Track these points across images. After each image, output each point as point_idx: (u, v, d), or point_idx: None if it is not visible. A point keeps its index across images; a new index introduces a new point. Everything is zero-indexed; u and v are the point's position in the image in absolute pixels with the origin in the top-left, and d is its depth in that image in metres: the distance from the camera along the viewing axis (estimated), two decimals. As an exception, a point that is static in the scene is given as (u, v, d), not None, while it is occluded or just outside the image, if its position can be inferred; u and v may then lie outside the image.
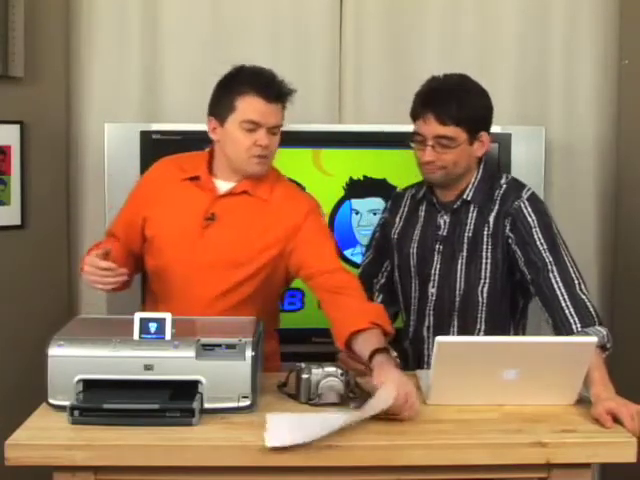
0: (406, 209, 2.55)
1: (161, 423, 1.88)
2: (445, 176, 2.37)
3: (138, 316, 1.98)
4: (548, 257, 2.29)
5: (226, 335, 1.99)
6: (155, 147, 2.89)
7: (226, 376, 1.94)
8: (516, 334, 2.46)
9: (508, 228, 2.36)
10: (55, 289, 3.20)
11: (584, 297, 2.23)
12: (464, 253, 2.40)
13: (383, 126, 3.00)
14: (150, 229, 2.38)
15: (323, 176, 3.02)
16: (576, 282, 2.25)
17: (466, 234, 2.41)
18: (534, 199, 2.39)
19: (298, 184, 2.72)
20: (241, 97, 2.26)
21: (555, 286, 2.25)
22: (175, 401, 1.91)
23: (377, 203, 2.98)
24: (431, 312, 2.45)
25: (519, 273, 2.35)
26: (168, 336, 1.96)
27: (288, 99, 2.31)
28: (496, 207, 2.39)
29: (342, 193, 3.04)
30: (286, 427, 1.86)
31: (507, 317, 2.45)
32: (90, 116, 3.19)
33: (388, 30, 3.25)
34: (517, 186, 2.43)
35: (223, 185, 2.36)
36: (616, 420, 1.93)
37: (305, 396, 2.05)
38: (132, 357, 1.93)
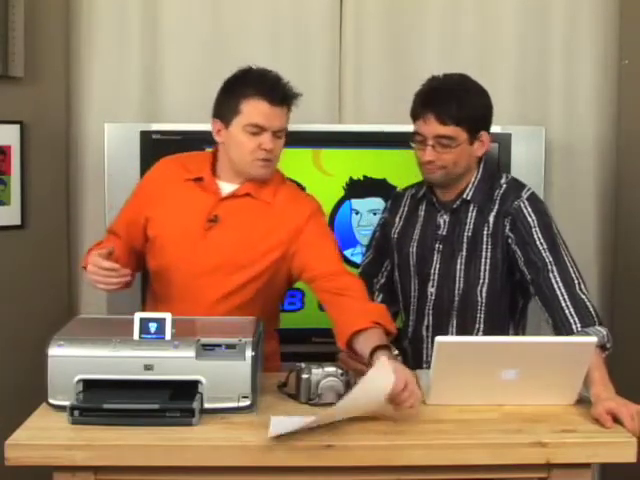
0: (406, 209, 2.55)
1: (161, 423, 1.88)
2: (445, 176, 2.37)
3: (138, 316, 1.98)
4: (548, 257, 2.29)
5: (226, 335, 1.99)
6: (155, 147, 2.89)
7: (226, 376, 1.94)
8: (516, 334, 2.46)
9: (508, 228, 2.36)
10: (55, 289, 3.20)
11: (584, 297, 2.23)
12: (463, 253, 2.41)
13: (383, 126, 3.00)
14: (152, 229, 2.38)
15: (323, 176, 3.02)
16: (576, 282, 2.25)
17: (466, 234, 2.41)
18: (534, 199, 2.39)
19: (298, 184, 2.72)
20: (246, 100, 2.26)
21: (555, 286, 2.25)
22: (175, 401, 1.91)
23: (377, 203, 2.98)
24: (430, 311, 2.45)
25: (519, 273, 2.35)
26: (168, 336, 1.96)
27: (293, 102, 2.30)
28: (496, 207, 2.39)
29: (342, 193, 3.04)
30: (288, 421, 1.87)
31: (506, 317, 2.45)
32: (90, 116, 3.19)
33: (388, 30, 3.25)
34: (517, 186, 2.43)
35: (226, 187, 2.35)
36: (616, 420, 1.93)
37: (305, 396, 2.05)
38: (132, 357, 1.93)
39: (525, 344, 2.07)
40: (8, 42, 2.92)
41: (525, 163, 3.00)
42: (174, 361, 1.93)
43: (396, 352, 2.13)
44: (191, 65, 3.20)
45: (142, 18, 3.19)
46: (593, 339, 2.02)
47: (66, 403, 1.90)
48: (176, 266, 2.34)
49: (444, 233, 2.44)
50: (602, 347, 2.12)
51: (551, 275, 2.26)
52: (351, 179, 3.03)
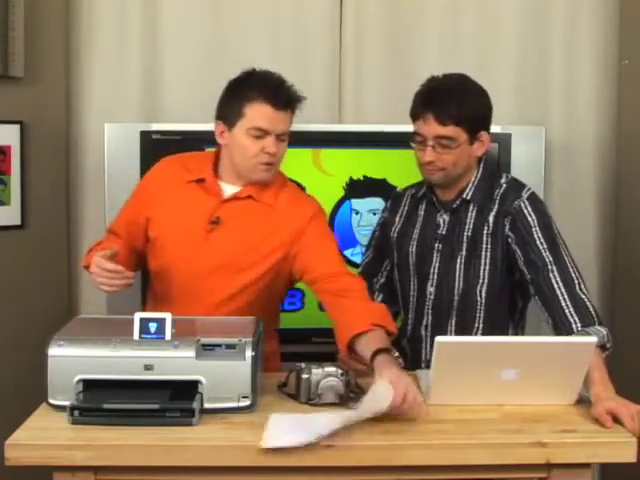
0: (406, 208, 2.55)
1: (161, 423, 1.88)
2: (445, 177, 2.37)
3: (138, 316, 1.98)
4: (548, 257, 2.29)
5: (226, 335, 1.99)
6: (155, 147, 2.89)
7: (226, 376, 1.94)
8: (515, 334, 2.46)
9: (508, 227, 2.36)
10: (55, 289, 3.20)
11: (584, 297, 2.23)
12: (463, 252, 2.41)
13: (383, 126, 3.00)
14: (153, 229, 2.37)
15: (323, 176, 3.02)
16: (576, 282, 2.25)
17: (465, 233, 2.41)
18: (534, 199, 2.39)
19: (298, 184, 2.72)
20: (250, 103, 2.25)
21: (555, 286, 2.25)
22: (175, 401, 1.91)
23: (377, 203, 2.98)
24: (429, 311, 2.46)
25: (518, 273, 2.35)
26: (168, 336, 1.96)
27: (297, 106, 2.30)
28: (496, 206, 2.39)
29: (342, 193, 3.04)
30: (286, 427, 1.86)
31: (506, 317, 2.45)
32: (90, 116, 3.19)
33: (388, 30, 3.25)
34: (517, 186, 2.43)
35: (228, 188, 2.35)
36: (616, 420, 1.93)
37: (305, 396, 2.05)
38: (132, 357, 1.93)
39: (525, 344, 2.07)
40: (8, 42, 2.92)
41: (525, 163, 3.00)
42: (174, 361, 1.93)
43: (396, 354, 2.12)
44: (191, 65, 3.20)
45: (142, 18, 3.19)
46: (593, 339, 2.02)
47: (66, 403, 1.90)
48: (177, 267, 2.34)
49: (444, 232, 2.44)
50: (602, 347, 2.12)
51: (551, 275, 2.26)
52: (351, 179, 3.03)
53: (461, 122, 2.31)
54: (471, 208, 2.41)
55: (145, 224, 2.38)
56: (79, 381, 1.93)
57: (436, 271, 2.44)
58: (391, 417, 1.92)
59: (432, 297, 2.45)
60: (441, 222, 2.45)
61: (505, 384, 2.01)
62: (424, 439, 1.88)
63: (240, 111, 2.26)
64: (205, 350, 1.95)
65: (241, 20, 3.22)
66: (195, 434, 1.87)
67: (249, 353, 1.95)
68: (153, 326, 1.96)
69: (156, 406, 1.88)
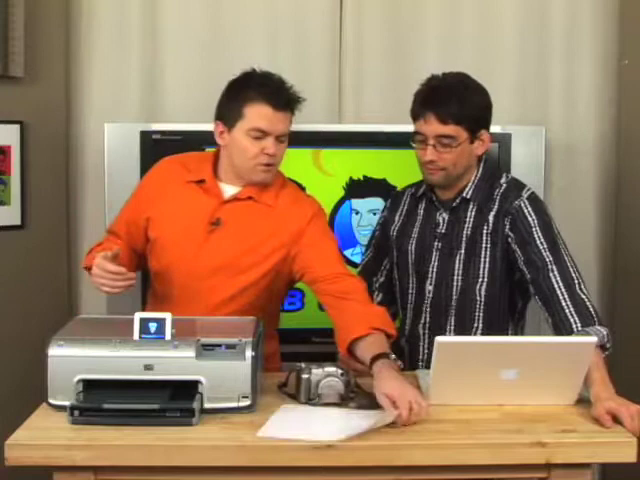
0: (405, 207, 2.55)
1: (161, 423, 1.88)
2: (446, 177, 2.37)
3: (138, 316, 1.98)
4: (548, 256, 2.29)
5: (226, 335, 1.99)
6: (155, 147, 2.89)
7: (226, 376, 1.94)
8: (514, 334, 2.46)
9: (508, 227, 2.36)
10: (55, 289, 3.20)
11: (584, 297, 2.23)
12: (462, 251, 2.41)
13: (383, 126, 3.00)
14: (153, 230, 2.37)
15: (323, 176, 3.02)
16: (576, 282, 2.25)
17: (465, 232, 2.41)
18: (534, 199, 2.39)
19: (298, 184, 2.72)
20: (250, 105, 2.25)
21: (555, 285, 2.25)
22: (175, 401, 1.91)
23: (377, 203, 2.98)
24: (428, 309, 2.46)
25: (518, 272, 2.35)
26: (168, 336, 1.96)
27: (297, 107, 2.30)
28: (496, 206, 2.39)
29: (342, 193, 3.04)
30: (289, 421, 1.89)
31: (505, 317, 2.45)
32: (90, 116, 3.19)
33: (388, 30, 3.25)
34: (517, 185, 2.43)
35: (228, 189, 2.35)
36: (616, 420, 1.93)
37: (305, 396, 2.05)
38: (132, 357, 1.93)
39: (525, 344, 2.07)
40: (8, 42, 2.91)
41: (525, 163, 2.99)
42: (174, 361, 1.93)
43: (393, 356, 2.11)
44: (191, 65, 3.20)
45: (142, 18, 3.19)
46: (593, 339, 2.02)
47: (66, 403, 1.90)
48: (177, 267, 2.33)
49: (443, 231, 2.44)
50: (602, 347, 2.12)
51: (551, 274, 2.26)
52: (351, 179, 3.03)
53: (462, 121, 2.31)
54: (471, 207, 2.41)
55: (145, 224, 2.38)
56: (79, 381, 1.93)
57: (435, 270, 2.44)
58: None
59: (431, 296, 2.45)
60: (440, 221, 2.45)
61: (505, 384, 2.01)
62: (424, 439, 1.88)
63: (240, 112, 2.26)
64: (205, 350, 1.95)
65: (241, 20, 3.22)
66: (195, 434, 1.87)
67: (249, 353, 1.95)
68: (153, 326, 1.96)
69: (156, 406, 1.88)
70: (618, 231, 3.32)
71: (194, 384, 1.94)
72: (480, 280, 2.40)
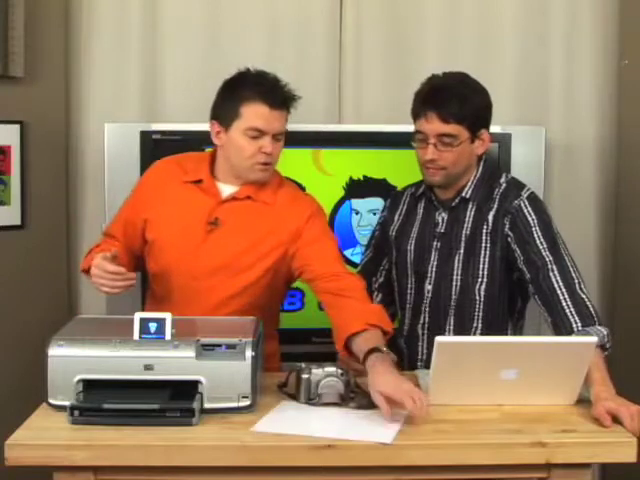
0: (405, 207, 2.55)
1: (161, 423, 1.88)
2: (446, 177, 2.37)
3: (138, 316, 1.98)
4: (548, 256, 2.29)
5: (226, 335, 1.99)
6: (155, 147, 2.89)
7: (226, 376, 1.94)
8: (514, 335, 2.46)
9: (507, 226, 2.36)
10: (55, 289, 3.20)
11: (584, 297, 2.23)
12: (461, 251, 2.41)
13: (383, 126, 3.01)
14: (151, 232, 2.37)
15: (323, 176, 3.02)
16: (576, 281, 2.25)
17: (464, 231, 2.41)
18: (534, 198, 2.39)
19: (298, 184, 2.72)
20: (246, 104, 2.25)
21: (555, 285, 2.25)
22: (175, 401, 1.91)
23: (377, 203, 2.98)
24: (426, 309, 2.45)
25: (518, 272, 2.35)
26: (168, 336, 1.96)
27: (292, 105, 2.30)
28: (495, 205, 2.39)
29: (342, 193, 3.04)
30: (286, 418, 1.90)
31: (505, 317, 2.45)
32: (90, 116, 3.20)
33: (388, 30, 3.25)
34: (517, 185, 2.43)
35: (226, 189, 2.35)
36: (616, 420, 1.93)
37: (305, 396, 2.05)
38: (132, 357, 1.93)
39: (525, 344, 2.06)
40: (8, 42, 2.92)
41: (525, 163, 2.99)
42: (174, 361, 1.93)
43: (386, 349, 2.10)
44: (191, 65, 3.20)
45: (142, 18, 3.19)
46: (593, 339, 2.02)
47: (66, 403, 1.90)
48: (176, 268, 2.33)
49: (442, 231, 2.44)
50: (602, 347, 2.12)
51: (551, 274, 2.26)
52: (351, 179, 3.03)
53: (463, 120, 2.31)
54: (470, 207, 2.41)
55: (142, 226, 2.37)
56: (79, 381, 1.93)
57: (434, 269, 2.44)
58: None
59: (429, 295, 2.45)
60: (440, 220, 2.45)
61: (505, 384, 2.01)
62: (424, 439, 1.88)
63: (236, 111, 2.26)
64: (205, 350, 1.95)
65: (241, 21, 3.22)
66: (195, 434, 1.87)
67: (249, 353, 1.95)
68: (153, 326, 1.96)
69: (156, 406, 1.88)
70: (618, 231, 3.32)
71: (194, 384, 1.94)
72: (479, 280, 2.40)
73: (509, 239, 2.35)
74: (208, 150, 2.44)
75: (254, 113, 2.25)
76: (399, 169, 2.93)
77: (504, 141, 2.97)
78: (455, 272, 2.41)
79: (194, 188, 2.35)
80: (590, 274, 3.09)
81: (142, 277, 2.60)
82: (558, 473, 1.87)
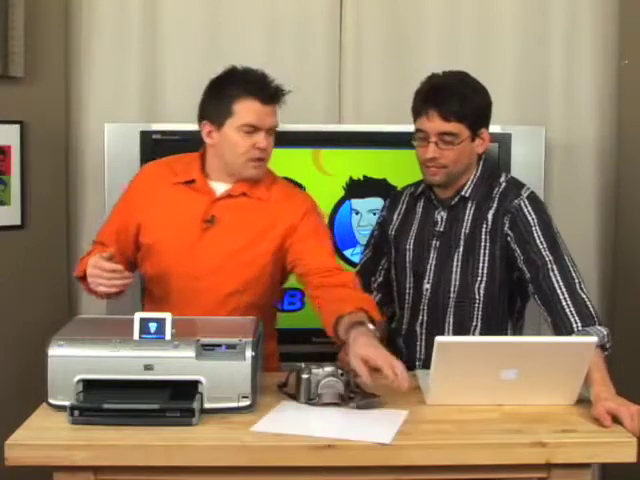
0: (404, 206, 2.55)
1: (161, 423, 1.88)
2: (446, 177, 2.37)
3: (138, 316, 1.98)
4: (548, 256, 2.29)
5: (226, 335, 1.99)
6: (155, 147, 2.89)
7: (226, 376, 1.94)
8: (513, 334, 2.46)
9: (507, 226, 2.36)
10: (55, 289, 3.20)
11: (584, 296, 2.23)
12: (460, 249, 2.41)
13: (383, 126, 3.01)
14: (145, 236, 2.36)
15: (323, 176, 3.02)
16: (576, 281, 2.25)
17: (463, 230, 2.41)
18: (534, 198, 2.39)
19: (298, 184, 2.72)
20: (238, 101, 2.25)
21: (555, 285, 2.25)
22: (175, 401, 1.91)
23: (377, 203, 2.98)
24: (425, 308, 2.45)
25: (517, 272, 2.35)
26: (168, 336, 1.96)
27: (282, 99, 2.30)
28: (495, 204, 2.39)
29: (342, 193, 3.04)
30: (287, 417, 1.91)
31: (504, 316, 2.45)
32: (90, 116, 3.20)
33: (388, 30, 3.25)
34: (517, 185, 2.43)
35: (219, 187, 2.35)
36: (616, 420, 1.93)
37: (305, 396, 2.05)
38: (132, 357, 1.93)
39: (525, 344, 2.06)
40: (8, 42, 2.92)
41: (525, 163, 2.99)
42: (174, 361, 1.93)
43: (371, 326, 2.10)
44: (191, 65, 3.20)
45: (142, 18, 3.19)
46: (593, 339, 2.02)
47: (66, 403, 1.90)
48: (175, 270, 2.33)
49: (441, 230, 2.44)
50: (602, 347, 2.12)
51: (551, 274, 2.26)
52: (351, 179, 3.03)
53: (464, 118, 2.31)
54: (469, 206, 2.41)
55: (135, 231, 2.37)
56: (79, 381, 1.93)
57: (432, 268, 2.44)
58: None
59: (428, 294, 2.45)
60: (439, 219, 2.45)
61: (505, 384, 2.01)
62: (424, 439, 1.88)
63: (228, 109, 2.26)
64: (205, 350, 1.95)
65: (241, 21, 3.22)
66: (195, 434, 1.87)
67: (249, 353, 1.95)
68: (153, 326, 1.96)
69: (156, 406, 1.88)
70: (618, 231, 3.32)
71: (194, 384, 1.94)
72: (479, 279, 2.40)
73: (509, 238, 2.35)
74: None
75: (247, 110, 2.25)
76: (399, 169, 2.93)
77: (504, 141, 2.97)
78: (454, 271, 2.41)
79: (185, 189, 2.35)
80: (590, 274, 3.09)
81: (142, 277, 2.60)
82: (558, 473, 1.87)
